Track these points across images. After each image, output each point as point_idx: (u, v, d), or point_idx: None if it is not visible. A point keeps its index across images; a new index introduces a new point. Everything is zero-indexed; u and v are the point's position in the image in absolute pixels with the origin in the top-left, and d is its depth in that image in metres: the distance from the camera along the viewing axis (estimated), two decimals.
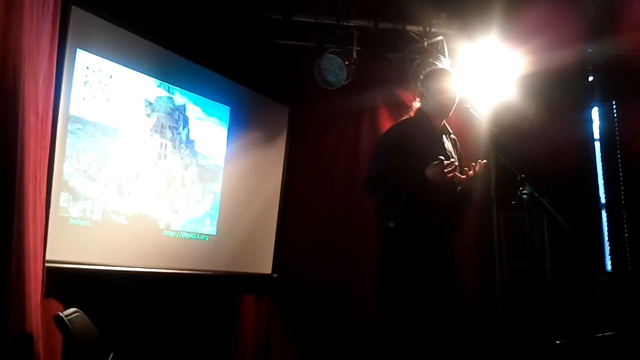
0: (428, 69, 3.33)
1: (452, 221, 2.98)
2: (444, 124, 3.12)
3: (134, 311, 3.54)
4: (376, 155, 3.07)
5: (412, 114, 3.14)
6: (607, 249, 4.91)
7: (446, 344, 2.87)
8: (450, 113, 3.10)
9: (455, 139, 3.22)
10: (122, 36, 3.56)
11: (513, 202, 3.21)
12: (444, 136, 3.10)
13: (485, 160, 2.88)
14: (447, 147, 3.08)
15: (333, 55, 4.17)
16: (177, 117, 3.98)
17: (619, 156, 4.93)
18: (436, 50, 4.34)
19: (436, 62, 4.18)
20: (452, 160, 2.79)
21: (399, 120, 3.23)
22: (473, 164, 2.86)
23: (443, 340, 2.86)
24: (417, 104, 3.14)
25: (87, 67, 3.36)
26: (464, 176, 2.86)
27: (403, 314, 2.84)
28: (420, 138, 2.96)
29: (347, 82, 4.21)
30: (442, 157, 2.74)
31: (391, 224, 2.92)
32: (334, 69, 4.15)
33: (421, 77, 3.21)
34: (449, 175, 2.72)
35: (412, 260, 2.84)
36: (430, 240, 2.88)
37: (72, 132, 3.27)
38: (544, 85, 4.48)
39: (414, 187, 2.79)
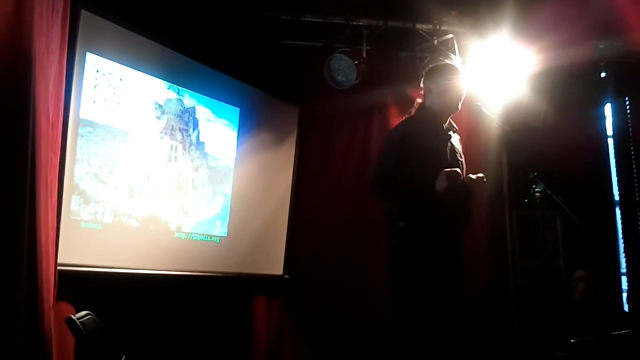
0: (432, 65, 3.27)
1: (460, 218, 2.96)
2: (449, 121, 3.08)
3: (146, 313, 3.55)
4: (382, 154, 3.02)
5: (413, 111, 3.10)
6: (622, 246, 4.86)
7: (458, 341, 2.86)
8: (459, 109, 3.05)
9: (459, 137, 3.18)
10: (131, 39, 3.57)
11: (526, 200, 3.20)
12: (451, 133, 3.05)
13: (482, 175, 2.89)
14: (455, 144, 3.05)
15: (342, 55, 4.16)
16: (187, 119, 3.99)
17: (632, 152, 4.87)
18: (446, 48, 4.31)
19: (446, 60, 4.15)
20: (457, 170, 2.78)
21: (404, 118, 3.20)
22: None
23: (455, 338, 2.85)
24: (419, 101, 3.10)
25: (97, 71, 3.37)
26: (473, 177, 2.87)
27: (415, 313, 2.83)
28: (427, 135, 2.92)
29: (357, 81, 4.20)
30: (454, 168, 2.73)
31: (401, 223, 2.90)
32: (344, 69, 4.14)
33: (426, 73, 3.11)
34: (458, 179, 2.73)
35: (423, 258, 2.83)
36: (439, 238, 2.86)
37: (82, 136, 3.28)
38: (556, 82, 4.44)
39: (420, 187, 2.77)
